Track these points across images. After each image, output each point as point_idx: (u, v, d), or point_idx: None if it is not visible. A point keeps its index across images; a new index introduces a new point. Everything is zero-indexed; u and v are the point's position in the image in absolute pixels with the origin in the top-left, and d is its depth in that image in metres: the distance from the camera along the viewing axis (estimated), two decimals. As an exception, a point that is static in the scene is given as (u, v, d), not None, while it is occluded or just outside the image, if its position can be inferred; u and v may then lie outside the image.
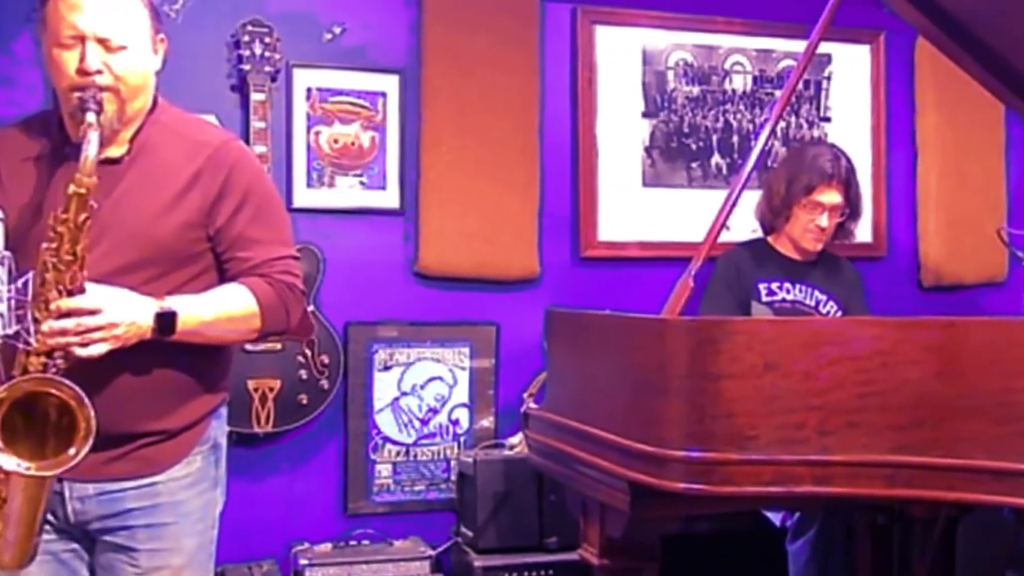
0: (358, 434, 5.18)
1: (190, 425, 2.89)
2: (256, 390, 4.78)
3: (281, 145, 5.03)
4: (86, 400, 2.45)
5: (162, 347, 2.72)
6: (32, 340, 2.47)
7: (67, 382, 2.46)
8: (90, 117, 2.60)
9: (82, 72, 2.66)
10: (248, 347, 4.63)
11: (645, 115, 5.66)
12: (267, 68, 4.85)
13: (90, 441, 2.45)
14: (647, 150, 5.65)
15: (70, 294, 2.54)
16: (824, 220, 4.64)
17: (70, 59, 2.68)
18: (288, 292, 2.91)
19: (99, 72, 2.67)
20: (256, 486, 4.99)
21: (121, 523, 2.81)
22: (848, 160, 4.72)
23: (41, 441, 2.50)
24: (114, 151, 2.79)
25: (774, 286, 4.71)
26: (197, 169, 2.83)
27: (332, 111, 5.16)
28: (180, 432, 2.87)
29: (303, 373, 4.87)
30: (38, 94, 4.56)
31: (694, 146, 5.73)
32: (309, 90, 5.12)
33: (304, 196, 5.09)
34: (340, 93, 5.18)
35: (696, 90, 5.73)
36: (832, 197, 4.64)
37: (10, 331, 2.34)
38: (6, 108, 4.42)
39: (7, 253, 2.40)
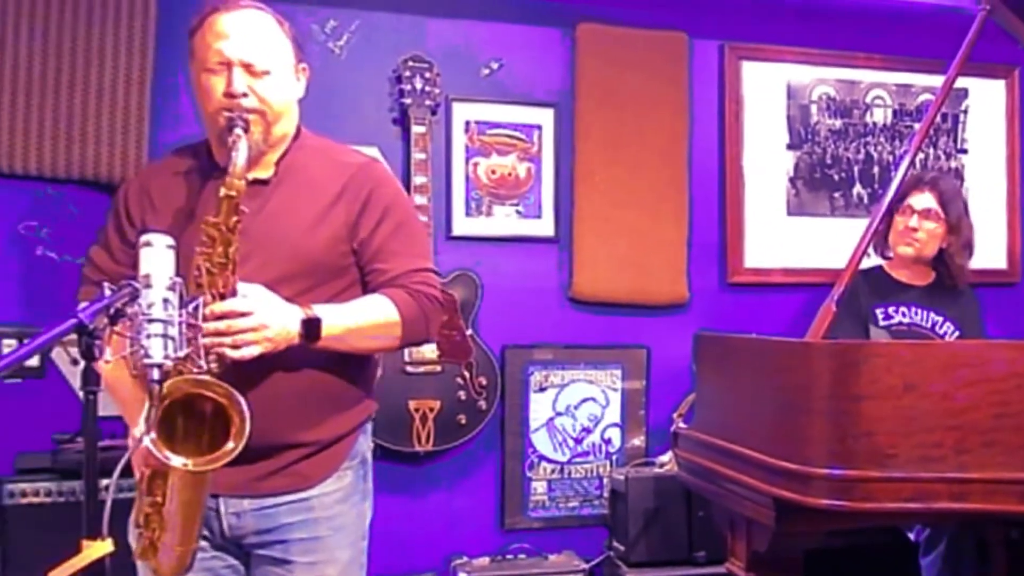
0: (514, 452, 5.29)
1: (340, 437, 2.95)
2: (417, 410, 4.87)
3: (441, 176, 5.15)
4: (238, 396, 2.48)
5: (312, 357, 2.80)
6: (202, 362, 2.50)
7: (219, 381, 2.49)
8: (238, 131, 2.70)
9: (229, 95, 2.76)
10: (409, 368, 4.85)
11: (790, 147, 5.75)
12: (427, 102, 5.00)
13: (245, 435, 2.46)
14: (791, 180, 5.75)
15: (222, 298, 2.61)
16: (914, 221, 4.70)
17: (217, 84, 2.78)
18: (427, 303, 2.94)
19: (245, 95, 2.77)
20: (417, 502, 5.10)
21: (277, 537, 2.88)
22: (953, 182, 4.78)
23: (197, 445, 2.51)
24: (261, 173, 2.89)
25: (890, 310, 4.77)
26: (342, 186, 2.92)
27: (490, 143, 5.29)
28: (331, 444, 2.93)
29: (462, 394, 4.99)
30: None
31: (836, 177, 5.81)
32: (468, 123, 5.26)
33: (463, 224, 5.23)
34: (497, 126, 5.30)
35: (838, 123, 5.81)
36: (922, 200, 4.70)
37: (181, 354, 2.33)
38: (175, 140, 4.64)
39: (179, 279, 2.36)
